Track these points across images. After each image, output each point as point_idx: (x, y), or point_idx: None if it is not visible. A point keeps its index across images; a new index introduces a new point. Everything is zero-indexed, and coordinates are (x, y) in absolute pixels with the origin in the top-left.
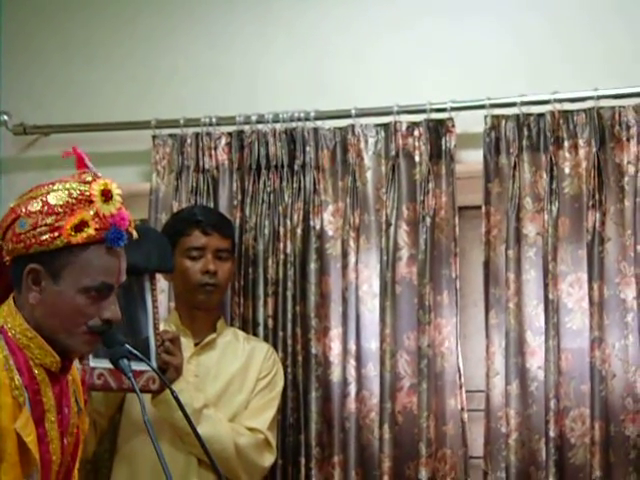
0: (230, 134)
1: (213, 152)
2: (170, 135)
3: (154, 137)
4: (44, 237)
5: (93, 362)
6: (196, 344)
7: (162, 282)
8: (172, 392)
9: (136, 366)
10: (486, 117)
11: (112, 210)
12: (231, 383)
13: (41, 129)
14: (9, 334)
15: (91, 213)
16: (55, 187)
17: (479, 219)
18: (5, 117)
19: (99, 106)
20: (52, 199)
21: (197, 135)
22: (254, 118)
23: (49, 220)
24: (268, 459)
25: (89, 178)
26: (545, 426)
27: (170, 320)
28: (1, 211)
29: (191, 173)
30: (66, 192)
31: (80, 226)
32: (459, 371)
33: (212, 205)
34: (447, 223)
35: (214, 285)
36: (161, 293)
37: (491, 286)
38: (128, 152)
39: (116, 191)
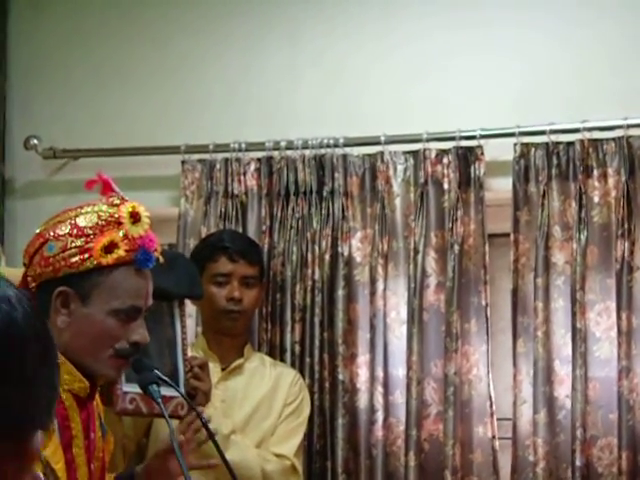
0: (259, 160)
1: (242, 178)
2: (199, 160)
3: (183, 162)
4: (74, 259)
5: (125, 387)
6: (223, 369)
7: (189, 307)
8: (201, 420)
9: (165, 391)
10: (515, 145)
11: (141, 232)
12: (258, 409)
13: (70, 153)
14: None
15: (120, 234)
16: (83, 210)
17: (508, 247)
18: (35, 141)
19: (128, 130)
20: (81, 221)
21: (226, 161)
22: (283, 144)
23: (79, 242)
24: None
25: (117, 201)
26: (572, 455)
27: (197, 345)
28: (30, 234)
29: (220, 198)
30: (95, 214)
31: (110, 247)
32: (490, 399)
33: (241, 230)
34: (476, 251)
35: (239, 312)
36: (188, 317)
37: (519, 314)
38: (157, 177)
39: (144, 213)
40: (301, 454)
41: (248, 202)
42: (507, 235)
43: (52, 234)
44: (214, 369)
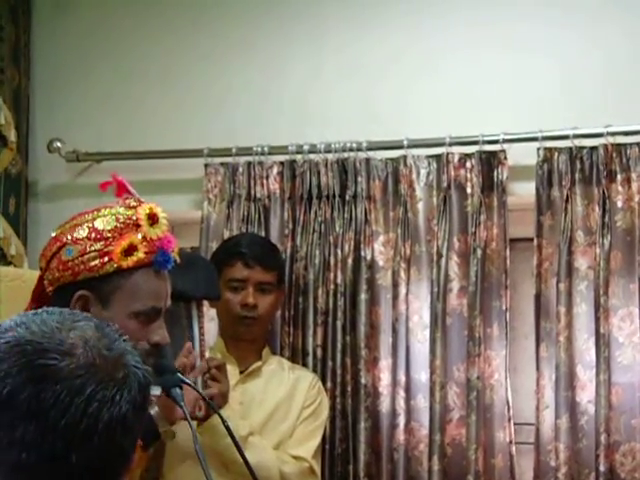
0: (282, 163)
1: (265, 181)
2: (222, 164)
3: (206, 165)
4: (94, 263)
5: None
6: (241, 372)
7: (212, 310)
8: (222, 420)
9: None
10: (539, 150)
11: (159, 233)
12: (276, 411)
13: (93, 156)
14: None
15: (139, 237)
16: (101, 213)
17: (530, 252)
18: (58, 144)
19: (152, 133)
20: (99, 225)
21: (249, 164)
22: (306, 148)
23: (98, 245)
24: None
25: (134, 203)
26: (595, 461)
27: (216, 348)
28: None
29: (242, 202)
30: (113, 217)
31: (130, 250)
32: (507, 404)
33: (263, 234)
34: (498, 255)
35: (253, 318)
36: (211, 321)
37: (542, 319)
38: (180, 180)
39: (161, 214)
40: (319, 456)
41: (271, 205)
42: (530, 240)
43: (70, 238)
44: (232, 372)
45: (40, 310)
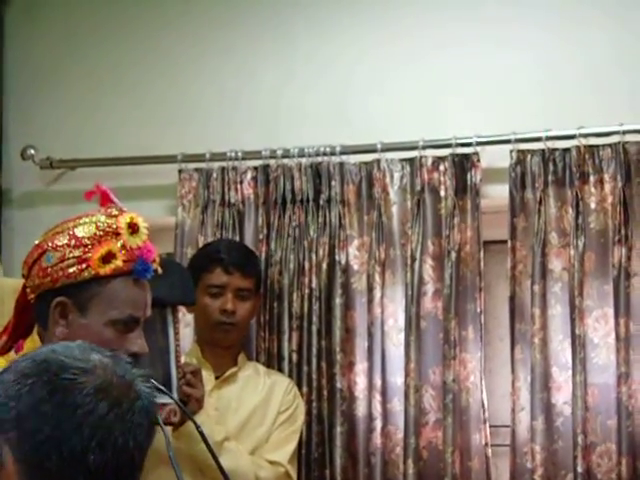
0: (256, 168)
1: (239, 186)
2: (196, 169)
3: (180, 171)
4: (72, 269)
5: None
6: (217, 377)
7: (188, 316)
8: (196, 426)
9: (158, 399)
10: (512, 152)
11: (139, 242)
12: (252, 416)
13: (67, 163)
14: None
15: (118, 245)
16: (82, 221)
17: (504, 254)
18: (32, 151)
19: (125, 140)
20: (79, 232)
21: (223, 169)
22: (280, 152)
23: (77, 252)
24: None
25: (115, 212)
26: (572, 462)
27: (192, 354)
28: (28, 244)
29: (217, 207)
30: (93, 225)
31: (107, 257)
32: (483, 406)
33: (238, 239)
34: (472, 258)
35: (232, 324)
36: (187, 327)
37: (517, 321)
38: (154, 186)
39: (142, 224)
40: (295, 461)
41: (245, 211)
42: (504, 242)
43: (50, 245)
44: (208, 378)
45: (62, 342)
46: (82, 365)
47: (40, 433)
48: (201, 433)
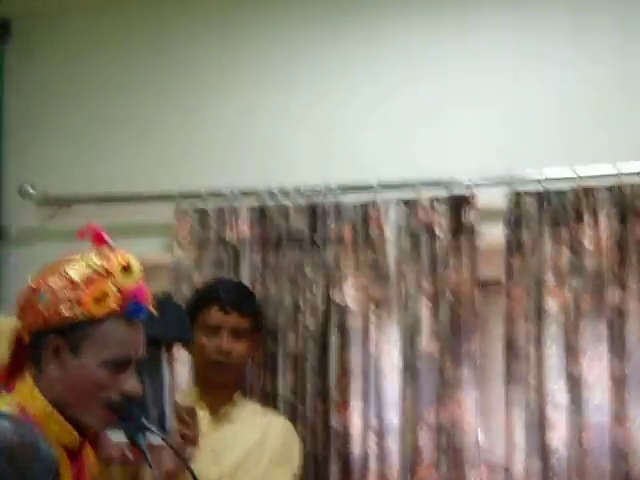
0: (252, 209)
1: (235, 225)
2: (193, 210)
3: (177, 210)
4: (65, 310)
5: (112, 435)
6: (213, 417)
7: (185, 354)
8: (188, 468)
9: (153, 439)
10: (508, 194)
11: (132, 283)
12: (248, 456)
13: (63, 200)
14: (30, 416)
15: (111, 286)
16: (74, 260)
17: (500, 294)
18: (30, 188)
19: (121, 176)
20: (72, 273)
21: (220, 209)
22: (276, 192)
23: (69, 293)
24: None
25: (108, 251)
26: None
27: (189, 395)
28: (25, 282)
29: (213, 245)
30: (85, 265)
31: (101, 299)
32: (478, 446)
33: (234, 277)
34: (468, 298)
35: (228, 364)
36: (184, 366)
37: (512, 361)
38: (150, 224)
39: (136, 265)
40: None
41: (241, 249)
42: (499, 282)
43: (43, 285)
44: (204, 418)
45: None
46: None
47: None
48: (193, 475)
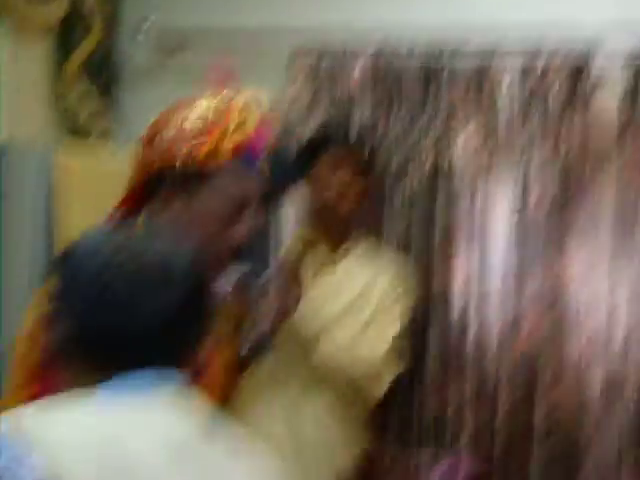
0: (369, 56)
1: (350, 72)
2: (310, 50)
3: (294, 50)
4: (181, 158)
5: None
6: (326, 256)
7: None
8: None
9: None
10: (625, 64)
11: (248, 134)
12: (359, 297)
13: (181, 33)
14: None
15: (228, 133)
16: (192, 109)
17: (611, 164)
18: (148, 24)
19: (241, 12)
20: (191, 118)
21: (335, 55)
22: (389, 49)
23: (187, 143)
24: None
25: (228, 97)
26: None
27: (300, 233)
28: (144, 120)
29: (328, 86)
30: (206, 110)
31: (215, 149)
32: (579, 316)
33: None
34: (579, 166)
35: (348, 198)
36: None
37: (619, 232)
38: (267, 64)
39: (252, 115)
40: (401, 342)
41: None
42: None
43: (161, 131)
44: (316, 255)
45: None
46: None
47: None
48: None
